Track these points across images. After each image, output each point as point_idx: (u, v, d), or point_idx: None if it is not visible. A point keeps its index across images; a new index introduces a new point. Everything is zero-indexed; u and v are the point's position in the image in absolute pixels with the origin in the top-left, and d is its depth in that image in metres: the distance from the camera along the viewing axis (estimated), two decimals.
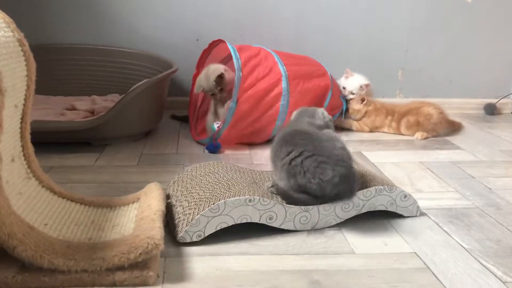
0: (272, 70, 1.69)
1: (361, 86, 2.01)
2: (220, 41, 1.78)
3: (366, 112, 1.98)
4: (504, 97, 2.41)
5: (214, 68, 1.70)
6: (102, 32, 2.13)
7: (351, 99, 2.01)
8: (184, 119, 2.03)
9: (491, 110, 2.37)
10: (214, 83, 1.67)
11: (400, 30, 2.28)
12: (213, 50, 1.85)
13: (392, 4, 2.23)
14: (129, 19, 2.12)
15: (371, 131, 1.99)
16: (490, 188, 1.39)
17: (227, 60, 1.87)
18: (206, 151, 1.67)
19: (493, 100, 2.40)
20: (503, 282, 0.91)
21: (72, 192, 1.12)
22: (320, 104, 1.80)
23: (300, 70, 1.76)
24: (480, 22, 2.31)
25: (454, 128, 2.01)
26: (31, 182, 1.03)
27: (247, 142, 1.75)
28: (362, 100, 1.97)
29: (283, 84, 1.68)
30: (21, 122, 1.01)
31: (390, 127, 1.98)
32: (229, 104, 1.62)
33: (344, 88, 2.02)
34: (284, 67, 1.71)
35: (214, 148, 1.66)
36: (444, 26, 2.30)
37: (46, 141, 1.59)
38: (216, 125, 1.72)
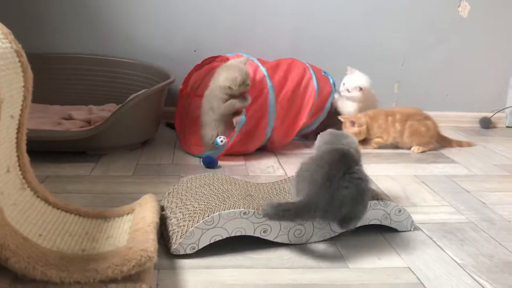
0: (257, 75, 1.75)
1: (356, 87, 1.96)
2: (212, 58, 1.80)
3: (368, 128, 1.90)
4: (499, 111, 2.43)
5: (238, 59, 1.72)
6: (99, 41, 2.14)
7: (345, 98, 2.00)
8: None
9: (486, 124, 2.38)
10: (245, 64, 1.67)
11: (396, 44, 2.30)
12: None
13: (389, 18, 2.25)
14: (127, 30, 2.13)
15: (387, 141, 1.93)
16: (484, 203, 1.40)
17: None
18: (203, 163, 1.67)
19: (488, 114, 2.41)
20: None
21: (67, 202, 1.12)
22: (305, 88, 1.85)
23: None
24: (476, 36, 2.34)
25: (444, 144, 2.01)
26: (26, 193, 1.03)
27: (240, 151, 1.75)
28: (352, 123, 1.89)
29: (268, 83, 1.73)
30: (17, 133, 1.01)
31: (393, 127, 1.91)
32: (238, 118, 1.65)
33: (343, 84, 2.00)
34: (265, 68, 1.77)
35: (211, 163, 1.63)
36: (440, 40, 2.32)
37: (42, 150, 1.60)
38: (219, 140, 1.70)
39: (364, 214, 1.07)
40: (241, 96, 1.67)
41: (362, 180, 1.03)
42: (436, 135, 1.95)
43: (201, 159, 1.69)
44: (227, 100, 1.66)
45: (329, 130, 1.26)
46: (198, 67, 1.86)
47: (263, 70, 1.74)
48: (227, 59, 1.77)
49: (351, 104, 1.99)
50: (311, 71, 1.88)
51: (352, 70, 2.02)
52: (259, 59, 1.81)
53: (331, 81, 1.99)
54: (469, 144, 2.03)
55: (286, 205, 1.01)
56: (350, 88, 1.97)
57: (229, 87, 1.63)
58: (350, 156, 1.07)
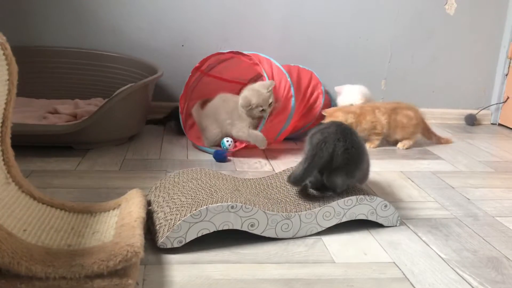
0: (282, 78, 1.74)
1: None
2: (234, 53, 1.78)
3: (357, 121, 1.85)
4: (484, 108, 2.46)
5: (264, 83, 1.67)
6: (86, 35, 2.11)
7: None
8: (160, 121, 2.04)
9: (472, 121, 2.41)
10: (268, 93, 1.63)
11: (383, 40, 2.31)
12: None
13: (376, 14, 2.26)
14: (115, 23, 2.11)
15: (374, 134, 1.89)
16: (468, 199, 1.41)
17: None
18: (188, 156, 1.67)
19: (474, 111, 2.44)
20: None
21: (52, 197, 1.11)
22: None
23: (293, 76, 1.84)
24: (462, 34, 2.36)
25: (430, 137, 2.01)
26: (10, 187, 1.02)
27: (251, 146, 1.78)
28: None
29: (291, 89, 1.74)
30: (1, 127, 1.00)
31: (382, 120, 1.87)
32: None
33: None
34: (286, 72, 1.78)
35: (221, 157, 1.65)
36: (427, 37, 2.34)
37: (27, 144, 1.58)
38: (226, 142, 1.71)
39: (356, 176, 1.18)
40: (260, 118, 1.68)
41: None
42: (421, 123, 1.93)
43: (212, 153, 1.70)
44: (246, 116, 1.67)
45: None
46: (219, 53, 1.82)
47: (292, 89, 1.73)
48: (249, 57, 1.75)
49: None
50: (323, 88, 1.94)
51: (339, 89, 2.01)
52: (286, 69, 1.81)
53: (323, 88, 2.01)
54: (447, 141, 2.03)
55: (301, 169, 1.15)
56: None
57: (244, 107, 1.65)
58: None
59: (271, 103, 1.64)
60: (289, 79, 1.74)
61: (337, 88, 2.05)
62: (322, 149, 1.12)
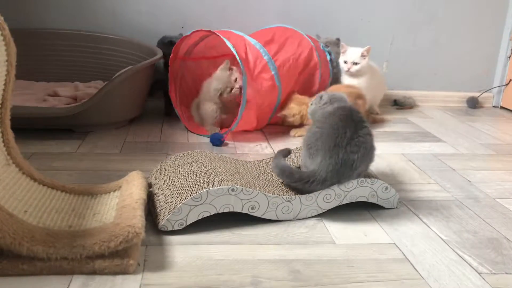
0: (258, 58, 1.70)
1: (362, 54, 1.93)
2: (210, 33, 1.75)
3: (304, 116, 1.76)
4: (486, 91, 2.44)
5: (220, 68, 1.74)
6: (86, 17, 2.09)
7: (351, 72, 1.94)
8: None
9: (473, 104, 2.40)
10: (214, 91, 1.71)
11: (385, 23, 2.29)
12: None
13: None
14: (114, 5, 2.09)
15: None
16: (469, 181, 1.41)
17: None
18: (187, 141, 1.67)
19: (476, 94, 2.43)
20: (479, 273, 0.94)
21: (53, 179, 1.11)
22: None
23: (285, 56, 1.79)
24: (464, 16, 2.33)
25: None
26: (10, 169, 1.02)
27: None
28: (284, 116, 1.78)
29: (272, 70, 1.70)
30: (0, 108, 1.00)
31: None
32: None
33: (345, 62, 1.96)
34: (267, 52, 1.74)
35: (218, 141, 1.63)
36: (429, 19, 2.31)
37: (27, 127, 1.58)
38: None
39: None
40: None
41: (369, 138, 1.12)
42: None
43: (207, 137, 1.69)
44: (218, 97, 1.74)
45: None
46: (186, 37, 1.81)
47: (271, 67, 1.70)
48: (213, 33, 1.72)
49: (357, 81, 1.94)
50: (317, 55, 1.91)
51: (345, 46, 1.97)
52: (259, 40, 1.76)
53: (328, 57, 1.99)
54: (382, 120, 2.00)
55: (297, 175, 1.12)
56: (356, 59, 1.93)
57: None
58: (355, 114, 1.13)
59: (230, 91, 1.71)
60: (265, 57, 1.70)
61: (343, 46, 1.99)
62: (333, 182, 1.11)
